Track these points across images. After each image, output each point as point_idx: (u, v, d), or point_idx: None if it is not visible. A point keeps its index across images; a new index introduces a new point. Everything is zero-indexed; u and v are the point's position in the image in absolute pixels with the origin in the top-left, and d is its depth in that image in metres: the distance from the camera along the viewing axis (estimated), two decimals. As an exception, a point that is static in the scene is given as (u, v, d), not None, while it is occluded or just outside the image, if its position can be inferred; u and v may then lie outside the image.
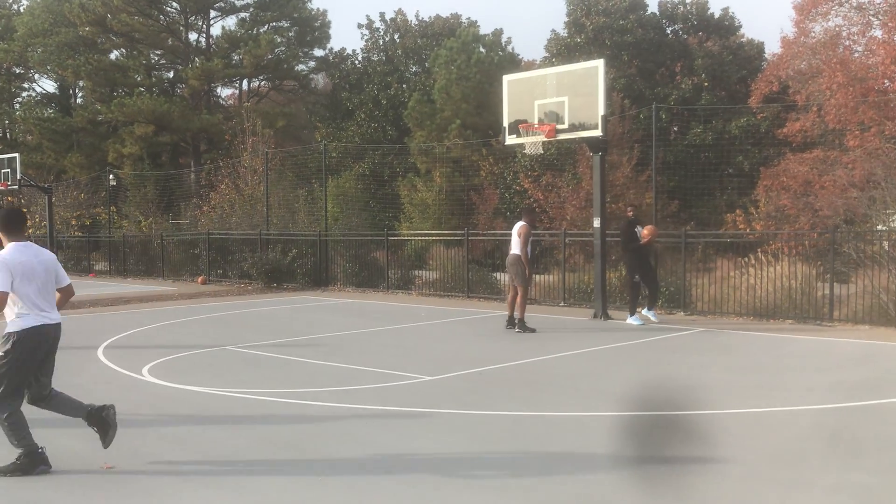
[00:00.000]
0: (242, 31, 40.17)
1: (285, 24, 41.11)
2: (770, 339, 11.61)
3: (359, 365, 9.47)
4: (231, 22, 42.03)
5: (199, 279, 22.60)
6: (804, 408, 7.25)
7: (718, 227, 23.41)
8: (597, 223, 13.96)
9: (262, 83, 43.68)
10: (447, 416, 7.05)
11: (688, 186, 25.53)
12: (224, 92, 47.01)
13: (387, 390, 8.14)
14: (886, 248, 13.50)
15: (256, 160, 26.39)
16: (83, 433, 5.96)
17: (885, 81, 20.16)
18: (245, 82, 43.41)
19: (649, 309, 13.52)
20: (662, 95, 28.40)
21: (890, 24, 19.82)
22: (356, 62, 40.08)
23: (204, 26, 42.02)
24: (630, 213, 14.35)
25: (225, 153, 32.06)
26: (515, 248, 12.35)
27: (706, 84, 28.21)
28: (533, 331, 12.14)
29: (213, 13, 41.57)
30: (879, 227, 15.05)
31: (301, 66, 42.08)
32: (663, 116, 26.74)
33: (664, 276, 15.48)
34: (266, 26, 40.68)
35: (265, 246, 21.27)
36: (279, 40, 40.33)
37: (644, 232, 13.47)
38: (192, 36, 42.11)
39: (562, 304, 15.89)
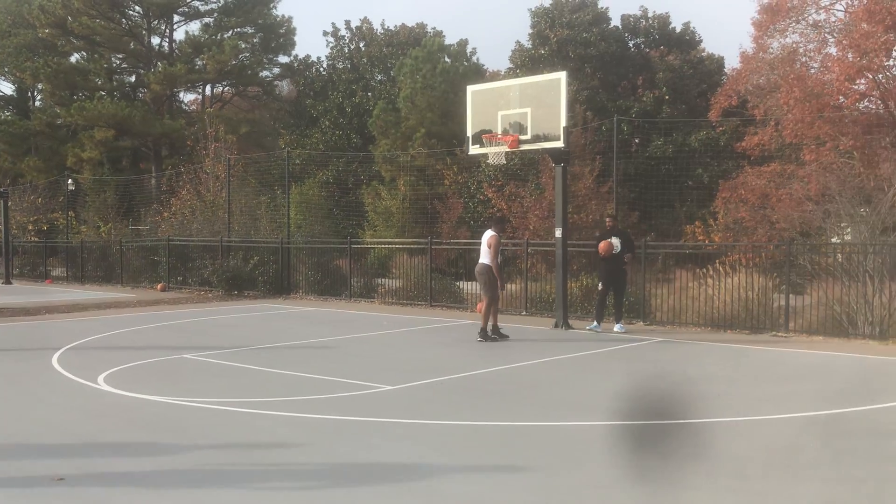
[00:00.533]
0: (206, 37, 39.80)
1: (250, 31, 40.84)
2: (727, 349, 11.76)
3: (318, 374, 9.39)
4: (195, 27, 41.74)
5: (159, 286, 22.27)
6: (759, 418, 7.34)
7: (678, 238, 23.70)
8: (559, 233, 14.04)
9: (226, 89, 43.31)
10: (407, 426, 7.02)
11: (648, 198, 25.83)
12: (187, 97, 46.55)
13: (346, 400, 8.07)
14: (840, 260, 13.78)
15: (219, 166, 26.12)
16: (35, 443, 5.81)
17: (840, 98, 20.59)
18: (208, 88, 43.03)
19: (617, 321, 13.69)
20: (624, 108, 28.71)
21: (844, 41, 20.28)
22: (321, 69, 39.95)
23: (167, 31, 41.59)
24: (609, 223, 14.32)
25: (187, 159, 31.68)
26: (485, 257, 12.31)
27: (667, 97, 28.59)
28: (495, 339, 12.18)
29: (176, 18, 41.17)
30: (834, 240, 15.37)
31: (265, 73, 41.85)
32: (625, 129, 27.03)
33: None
34: (230, 32, 40.35)
35: (226, 253, 21.04)
36: (243, 46, 40.03)
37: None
38: (155, 40, 41.66)
39: (524, 313, 15.94)
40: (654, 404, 7.92)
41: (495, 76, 32.45)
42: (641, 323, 14.56)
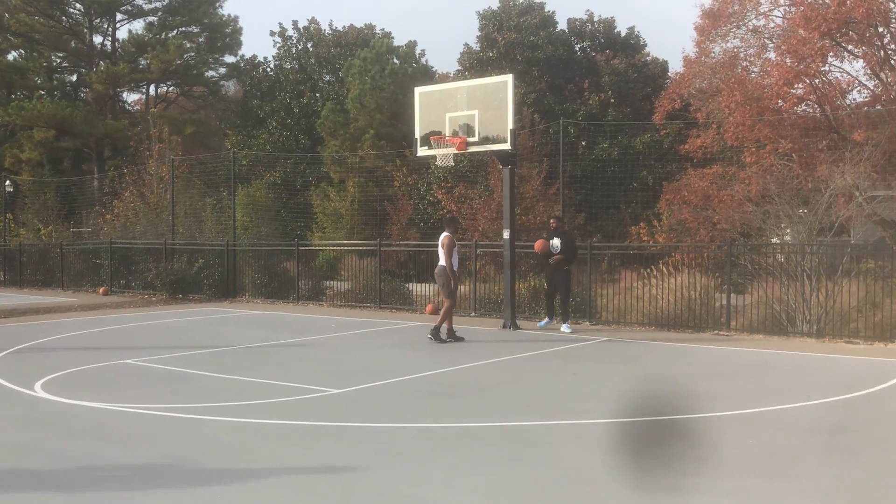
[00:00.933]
0: (150, 36, 38.99)
1: (195, 30, 40.14)
2: (670, 348, 11.94)
3: (264, 378, 9.25)
4: (138, 26, 40.81)
5: (101, 290, 21.75)
6: (700, 416, 7.46)
7: (624, 239, 24.02)
8: (506, 234, 14.11)
9: (171, 89, 42.51)
10: (351, 430, 6.95)
11: (595, 199, 26.13)
12: (131, 97, 45.56)
13: (291, 404, 7.96)
14: (782, 260, 14.11)
15: (163, 167, 25.62)
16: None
17: (779, 101, 21.08)
18: (152, 88, 42.17)
19: (564, 321, 13.89)
20: (571, 111, 29.00)
21: (782, 47, 20.78)
22: (268, 70, 39.49)
23: (109, 29, 40.63)
24: (553, 224, 14.50)
25: (130, 160, 30.99)
26: (440, 259, 12.34)
27: (612, 100, 28.97)
28: (449, 341, 12.18)
29: (119, 16, 40.25)
30: (774, 241, 15.73)
31: (211, 73, 41.15)
32: (571, 131, 27.31)
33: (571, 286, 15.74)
34: (175, 31, 39.59)
35: (170, 256, 20.64)
36: (188, 46, 39.33)
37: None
38: (97, 39, 40.65)
39: (473, 314, 15.97)
40: (598, 404, 7.99)
41: (444, 78, 32.48)
42: (588, 323, 14.71)
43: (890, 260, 13.68)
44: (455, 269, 12.34)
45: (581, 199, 26.26)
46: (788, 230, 15.39)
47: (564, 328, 13.65)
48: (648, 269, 15.27)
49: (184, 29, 39.98)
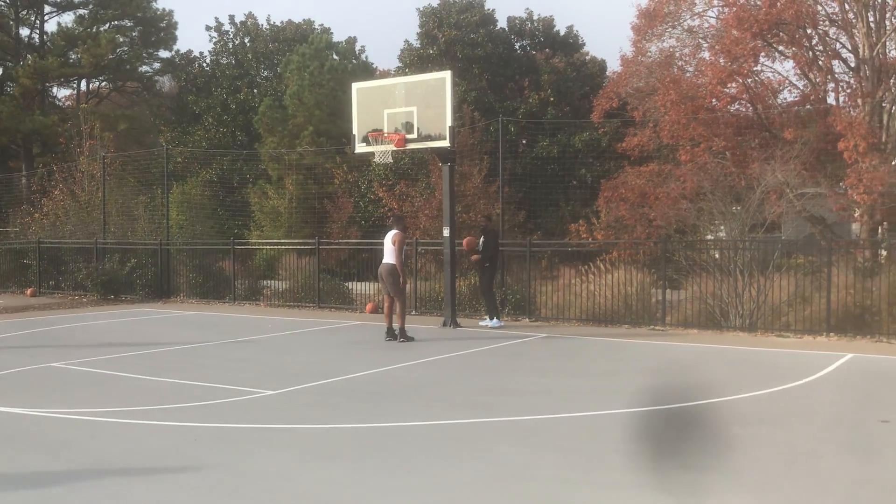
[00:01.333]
0: (80, 29, 37.81)
1: (128, 24, 39.06)
2: (607, 343, 12.10)
3: (196, 381, 9.05)
4: (68, 19, 39.57)
5: (29, 291, 21.04)
6: (636, 410, 7.54)
7: (563, 236, 24.21)
8: (446, 232, 14.10)
9: (103, 84, 41.31)
10: (285, 432, 6.85)
11: (535, 197, 26.29)
12: (62, 92, 44.13)
13: (224, 406, 7.80)
14: (717, 256, 14.41)
15: (94, 165, 24.90)
16: None
17: (713, 100, 21.47)
18: (84, 83, 40.91)
19: (494, 318, 14.08)
20: (511, 109, 29.12)
21: (716, 47, 21.18)
22: (204, 65, 38.71)
23: (37, 22, 39.25)
24: (483, 223, 14.76)
25: (60, 157, 30.03)
26: (389, 257, 12.19)
27: (552, 99, 29.17)
28: (412, 339, 12.10)
29: (47, 8, 38.91)
30: (708, 237, 16.06)
31: (145, 68, 40.11)
32: (512, 129, 27.42)
33: (511, 283, 15.88)
34: (107, 25, 38.49)
35: (102, 255, 20.08)
36: (121, 40, 38.27)
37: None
38: (24, 31, 39.26)
39: (414, 312, 15.90)
40: (534, 400, 8.02)
41: (385, 75, 32.28)
42: (527, 319, 14.81)
43: (819, 255, 14.10)
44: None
45: (522, 196, 26.38)
46: (723, 227, 15.73)
47: (486, 322, 13.95)
48: (587, 266, 15.46)
49: (116, 23, 38.88)
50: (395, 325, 12.19)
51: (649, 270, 15.13)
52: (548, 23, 31.78)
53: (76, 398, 8.23)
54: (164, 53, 39.99)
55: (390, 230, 12.51)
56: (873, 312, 12.95)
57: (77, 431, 6.92)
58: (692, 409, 7.59)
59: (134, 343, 12.20)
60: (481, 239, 14.32)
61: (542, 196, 26.37)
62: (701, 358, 10.80)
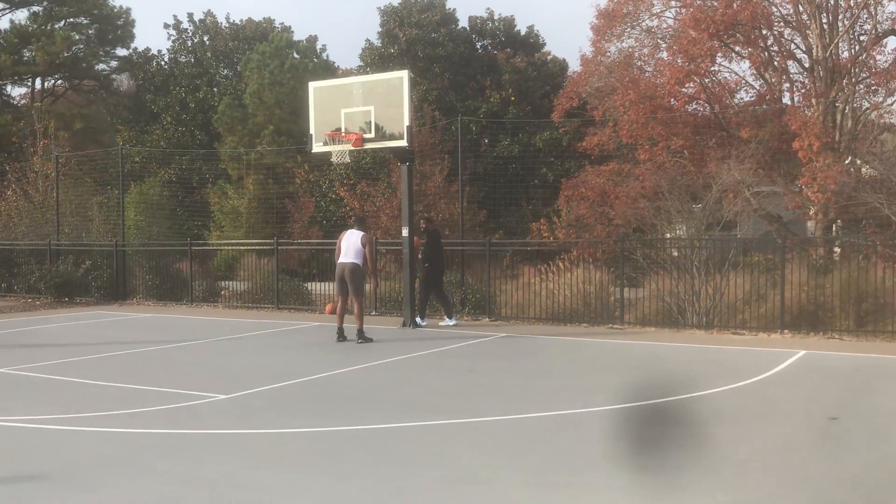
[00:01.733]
0: (35, 26, 36.99)
1: (84, 21, 38.31)
2: (566, 342, 12.11)
3: (148, 385, 8.86)
4: (22, 16, 38.65)
5: (-21, 294, 20.50)
6: (593, 410, 7.54)
7: (525, 235, 24.25)
8: (405, 232, 14.02)
9: (58, 82, 40.47)
10: (238, 437, 6.72)
11: (497, 196, 26.30)
12: (16, 91, 43.12)
13: (176, 412, 7.64)
14: (676, 254, 14.52)
15: (48, 164, 24.36)
16: None
17: (671, 100, 21.66)
18: (38, 81, 40.04)
19: (450, 317, 14.18)
20: (473, 108, 29.11)
21: (674, 47, 21.36)
22: (162, 63, 38.10)
23: (-11, 18, 38.38)
24: (422, 225, 14.87)
25: (14, 157, 29.34)
26: (354, 257, 12.03)
27: (513, 98, 29.21)
28: (371, 340, 12.02)
29: (0, 5, 38.05)
30: (667, 236, 16.16)
31: (102, 66, 39.36)
32: (473, 129, 27.40)
33: (471, 283, 15.86)
34: (62, 22, 37.71)
35: (55, 257, 19.64)
36: (77, 37, 37.51)
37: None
38: (-24, 28, 38.30)
39: (374, 313, 15.81)
40: (490, 401, 7.98)
41: (348, 74, 32.01)
42: (487, 319, 14.79)
43: (774, 253, 14.27)
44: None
45: (484, 195, 26.36)
46: (683, 225, 15.85)
47: (419, 321, 14.02)
48: (547, 265, 15.49)
49: (72, 20, 38.12)
50: (353, 326, 12.07)
51: (608, 269, 15.20)
52: (509, 22, 31.83)
53: (20, 405, 7.99)
54: (121, 51, 39.32)
55: (350, 230, 12.39)
56: (827, 309, 13.15)
57: (19, 440, 6.71)
58: (648, 409, 7.61)
59: (85, 347, 11.93)
60: (424, 240, 14.42)
61: (504, 195, 26.39)
62: (658, 356, 10.85)
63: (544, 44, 32.41)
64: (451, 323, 14.10)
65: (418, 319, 14.10)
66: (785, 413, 7.44)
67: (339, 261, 12.11)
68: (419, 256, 14.26)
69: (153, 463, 5.97)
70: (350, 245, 12.07)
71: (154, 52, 39.01)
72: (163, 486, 5.43)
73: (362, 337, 12.03)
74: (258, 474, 5.67)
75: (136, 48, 39.28)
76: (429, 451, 6.19)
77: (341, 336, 12.10)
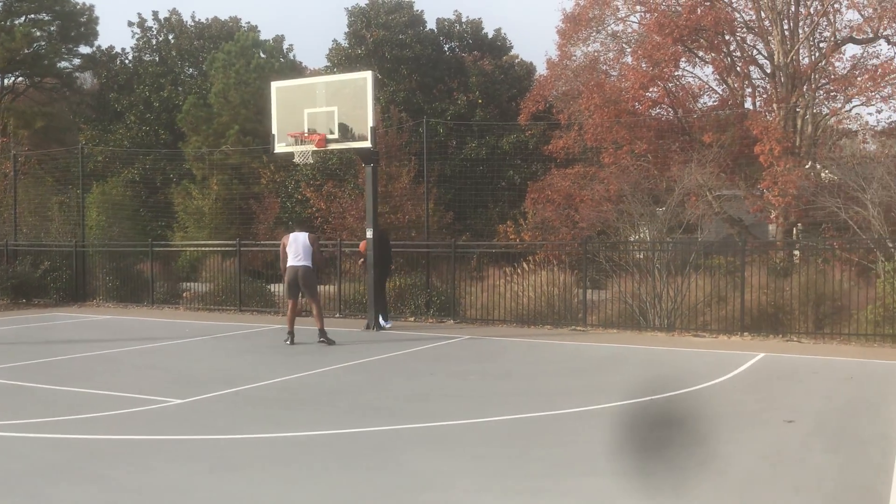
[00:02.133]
0: (-6, 22, 36.25)
1: (46, 17, 37.56)
2: (529, 344, 12.08)
3: (103, 389, 8.63)
4: (-20, 11, 37.80)
5: (-67, 296, 19.94)
6: (549, 413, 7.48)
7: (492, 237, 24.24)
8: (370, 233, 13.91)
9: (19, 79, 39.63)
10: (189, 443, 6.55)
11: (464, 198, 26.25)
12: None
13: (130, 417, 7.43)
14: (640, 257, 14.56)
15: (6, 163, 23.82)
16: None
17: (636, 104, 21.79)
18: (-2, 77, 39.20)
19: (385, 319, 14.11)
20: (440, 110, 29.05)
21: (639, 52, 21.49)
22: (126, 61, 37.50)
23: (-53, 13, 37.47)
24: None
25: (-29, 154, 28.67)
26: (305, 259, 11.98)
27: (480, 101, 29.21)
28: (333, 342, 11.93)
29: (-42, 0, 37.18)
30: (631, 238, 16.22)
31: (64, 63, 38.62)
32: (440, 131, 27.35)
33: (437, 285, 15.77)
34: (22, 18, 36.96)
35: (13, 258, 19.18)
36: (38, 34, 36.79)
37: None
38: (-67, 23, 37.37)
39: (337, 315, 15.66)
40: (450, 405, 7.89)
41: (315, 74, 31.77)
42: (451, 321, 14.71)
43: (735, 256, 14.37)
44: None
45: (451, 197, 26.30)
46: (646, 228, 15.91)
47: (383, 323, 14.01)
48: (513, 267, 15.46)
49: (33, 16, 37.37)
50: (301, 329, 12.02)
51: (573, 271, 15.21)
52: (476, 25, 31.82)
53: (-32, 411, 7.74)
54: (84, 49, 38.63)
55: (293, 232, 12.27)
56: (786, 312, 13.27)
57: (-36, 447, 6.48)
58: (608, 412, 7.57)
59: (39, 349, 11.64)
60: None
61: (471, 197, 26.35)
62: (619, 358, 10.86)
63: (511, 47, 32.49)
64: (388, 326, 14.06)
65: (382, 321, 14.01)
66: (742, 417, 7.44)
67: (289, 264, 12.03)
68: (361, 261, 14.41)
69: (102, 471, 5.79)
70: (299, 247, 12.01)
71: (118, 50, 38.39)
72: (110, 495, 5.26)
73: (325, 337, 11.92)
74: (210, 482, 5.53)
75: (99, 46, 38.65)
76: (386, 458, 6.08)
77: (292, 339, 11.96)
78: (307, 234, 12.16)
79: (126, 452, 6.29)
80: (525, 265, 15.23)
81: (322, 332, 11.93)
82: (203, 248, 21.04)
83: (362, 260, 14.37)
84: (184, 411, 7.69)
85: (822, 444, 6.41)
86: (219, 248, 19.20)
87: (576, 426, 7.04)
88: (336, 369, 10.00)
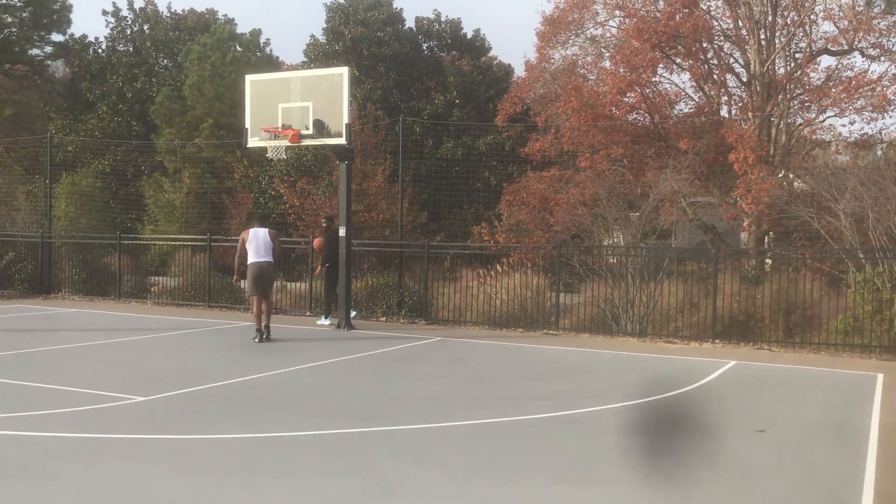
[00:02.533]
0: (-37, 7, 35.50)
1: (17, 3, 36.85)
2: (500, 347, 11.99)
3: (63, 385, 8.41)
4: (-51, -5, 37.01)
5: None
6: (517, 419, 7.39)
7: (466, 238, 24.16)
8: (343, 232, 13.75)
9: (-11, 66, 38.86)
10: (148, 443, 6.37)
11: (439, 199, 26.15)
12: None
13: (88, 414, 7.23)
14: (613, 261, 14.53)
15: (-28, 151, 23.32)
16: None
17: (613, 109, 21.83)
18: (-33, 63, 38.39)
19: (326, 317, 14.22)
20: (417, 109, 28.92)
21: (617, 56, 21.54)
22: (99, 51, 36.92)
23: (-85, -3, 36.63)
24: (324, 224, 15.10)
25: (-63, 141, 28.08)
26: (266, 254, 11.99)
27: (458, 101, 29.13)
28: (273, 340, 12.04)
29: (-74, -17, 36.36)
30: (605, 243, 16.21)
31: (35, 51, 37.90)
32: (417, 130, 27.22)
33: (409, 286, 15.65)
34: (-6, 3, 36.28)
35: (-24, 247, 18.77)
36: (9, 20, 36.10)
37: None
38: None
39: (308, 313, 15.48)
40: (419, 407, 7.77)
41: (292, 70, 31.49)
42: (423, 322, 14.58)
43: (708, 262, 14.39)
44: None
45: (426, 197, 26.19)
46: (620, 233, 15.90)
47: (322, 321, 14.11)
48: (486, 269, 15.37)
49: (4, 2, 36.65)
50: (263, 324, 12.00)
51: (546, 274, 15.16)
52: (455, 25, 31.74)
53: (-80, 405, 7.49)
54: (56, 37, 37.91)
55: (253, 228, 12.22)
56: (757, 320, 13.31)
57: (-88, 443, 6.25)
58: (577, 418, 7.49)
59: (0, 342, 11.33)
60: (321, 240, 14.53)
61: (446, 197, 26.26)
62: (590, 363, 10.80)
63: (490, 48, 32.46)
64: (327, 323, 14.10)
65: (324, 319, 14.20)
66: (712, 426, 7.39)
67: (252, 260, 11.97)
68: (318, 263, 14.53)
69: (57, 470, 5.60)
70: (261, 242, 12.01)
71: (91, 39, 37.73)
72: (63, 497, 5.08)
73: (268, 334, 12.01)
74: (169, 484, 5.36)
75: (72, 34, 37.94)
76: (351, 461, 5.94)
77: (261, 337, 11.90)
78: (268, 229, 12.19)
79: (83, 451, 6.10)
80: (499, 267, 15.16)
81: (267, 329, 11.96)
82: (173, 242, 20.71)
83: (319, 268, 14.37)
84: (145, 409, 7.49)
85: (793, 455, 6.38)
86: (189, 243, 18.91)
87: (545, 432, 6.95)
88: (304, 369, 9.84)
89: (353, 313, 14.11)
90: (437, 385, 9.03)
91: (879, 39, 19.78)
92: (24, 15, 37.13)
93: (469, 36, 31.88)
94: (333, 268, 14.10)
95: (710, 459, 6.16)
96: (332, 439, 6.59)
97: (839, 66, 20.72)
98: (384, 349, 11.54)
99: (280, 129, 12.87)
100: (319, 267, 14.39)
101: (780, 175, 19.81)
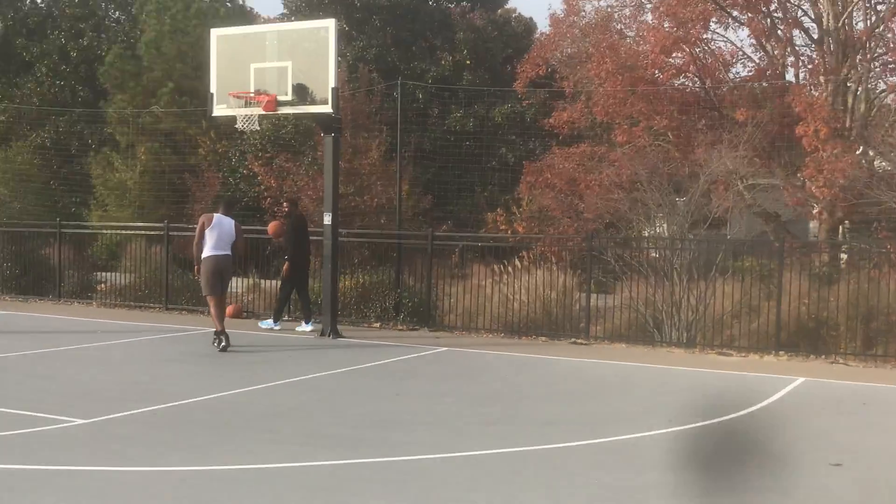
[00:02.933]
0: None
1: (-59, -54, 37.06)
2: (518, 360, 11.97)
3: (-13, 404, 8.38)
4: None
5: None
6: (536, 448, 7.30)
7: (478, 228, 24.10)
8: (328, 219, 13.73)
9: None
10: (87, 476, 6.34)
11: (446, 179, 26.09)
12: None
13: (18, 440, 7.20)
14: (654, 256, 14.45)
15: None
16: None
17: (656, 72, 21.70)
18: None
19: (307, 322, 14.20)
20: (420, 71, 28.88)
21: (661, 8, 21.40)
22: (38, 2, 37.04)
23: None
24: (286, 207, 15.37)
25: None
26: (227, 248, 12.20)
27: (468, 62, 29.05)
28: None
29: None
30: (645, 234, 16.11)
31: (-39, 2, 38.13)
32: (419, 96, 27.17)
33: (409, 285, 15.59)
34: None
35: None
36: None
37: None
38: None
39: (287, 318, 15.43)
40: (416, 433, 7.71)
41: (269, 23, 31.51)
42: (426, 329, 14.55)
43: (770, 258, 14.28)
44: None
45: (430, 178, 26.14)
46: (663, 222, 15.80)
47: (303, 327, 14.16)
48: (503, 265, 15.31)
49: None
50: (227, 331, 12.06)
51: (574, 272, 15.07)
52: (466, -30, 31.63)
53: None
54: (-13, -14, 38.11)
55: (217, 214, 12.44)
56: (830, 327, 13.21)
57: None
58: (611, 447, 7.42)
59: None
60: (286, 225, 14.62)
61: (455, 178, 26.18)
62: (627, 380, 10.78)
63: (508, -2, 32.34)
64: (309, 328, 14.07)
65: (271, 323, 14.29)
66: (779, 458, 7.31)
67: (210, 253, 12.03)
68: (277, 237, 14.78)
69: (-24, 509, 5.54)
70: (224, 233, 12.17)
71: (28, -13, 37.82)
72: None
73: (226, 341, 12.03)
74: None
75: (5, -19, 38.07)
76: (333, 500, 5.88)
77: (226, 341, 11.84)
78: (234, 221, 12.41)
79: (10, 485, 6.05)
80: (517, 263, 15.08)
81: (218, 334, 12.02)
82: (124, 232, 20.72)
83: (287, 265, 14.20)
84: (88, 434, 7.50)
85: (876, 494, 6.29)
86: (144, 232, 18.92)
87: (574, 464, 6.89)
88: (279, 385, 9.85)
89: (308, 326, 14.04)
90: (441, 406, 9.00)
91: (980, -12, 19.57)
92: (-52, -41, 37.29)
93: (482, -17, 31.77)
94: (301, 262, 14.19)
95: (775, 500, 6.05)
96: (315, 472, 6.56)
97: (931, 20, 20.52)
98: (377, 361, 11.55)
99: (253, 95, 12.88)
100: (286, 265, 14.21)
101: (858, 152, 19.64)
